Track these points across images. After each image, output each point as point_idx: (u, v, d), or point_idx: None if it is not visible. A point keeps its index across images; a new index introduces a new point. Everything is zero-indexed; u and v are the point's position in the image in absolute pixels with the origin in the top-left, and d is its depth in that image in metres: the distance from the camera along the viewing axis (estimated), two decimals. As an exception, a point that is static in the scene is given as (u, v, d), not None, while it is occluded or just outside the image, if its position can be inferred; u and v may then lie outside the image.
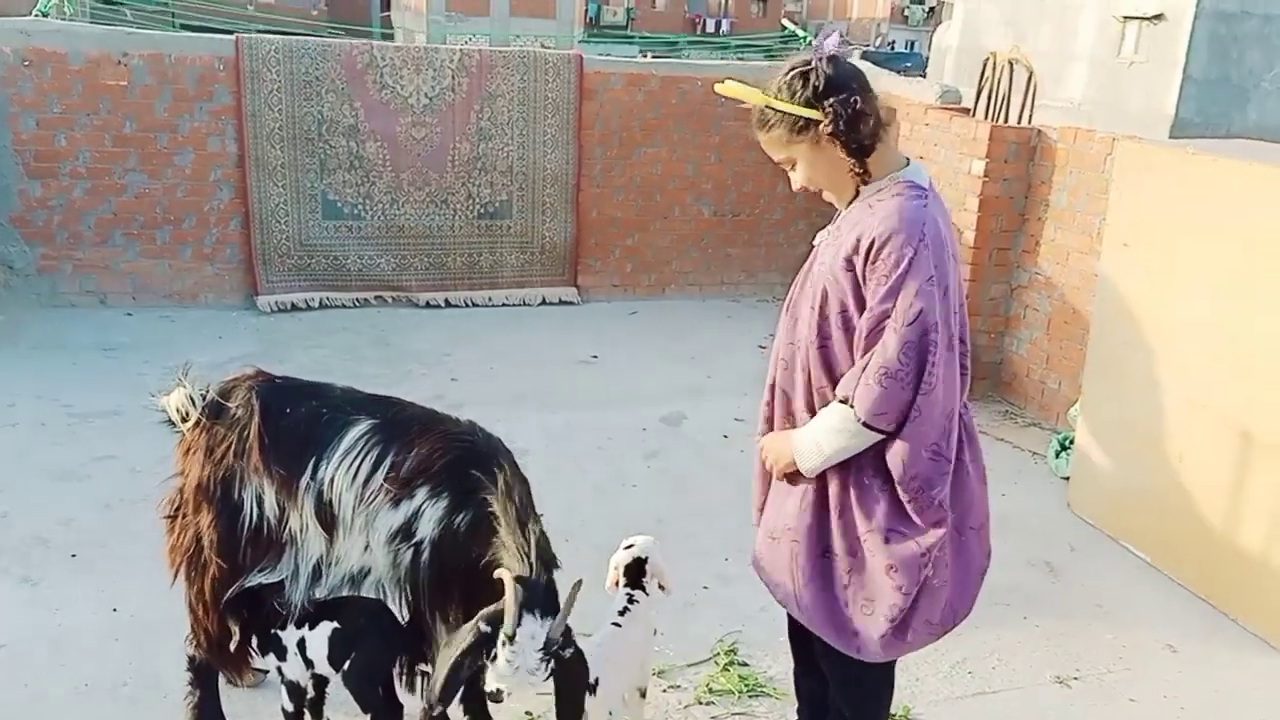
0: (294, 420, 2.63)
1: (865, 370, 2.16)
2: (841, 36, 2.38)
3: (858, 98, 2.18)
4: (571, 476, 4.62)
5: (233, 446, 2.62)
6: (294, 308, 6.74)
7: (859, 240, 2.19)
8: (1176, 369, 4.03)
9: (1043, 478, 5.00)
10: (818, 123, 2.20)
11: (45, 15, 6.87)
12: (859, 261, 2.18)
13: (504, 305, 7.15)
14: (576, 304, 7.31)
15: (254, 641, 2.80)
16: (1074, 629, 3.69)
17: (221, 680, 2.90)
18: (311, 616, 2.68)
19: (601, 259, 7.40)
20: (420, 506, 2.56)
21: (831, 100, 2.18)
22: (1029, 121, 5.88)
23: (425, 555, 2.58)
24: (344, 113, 6.61)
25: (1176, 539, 4.04)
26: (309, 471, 2.58)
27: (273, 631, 2.71)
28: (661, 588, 2.87)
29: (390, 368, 5.87)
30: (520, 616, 2.35)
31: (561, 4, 43.94)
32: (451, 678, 2.42)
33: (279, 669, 2.73)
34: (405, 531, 2.58)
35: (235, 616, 2.76)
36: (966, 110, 6.19)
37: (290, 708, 2.76)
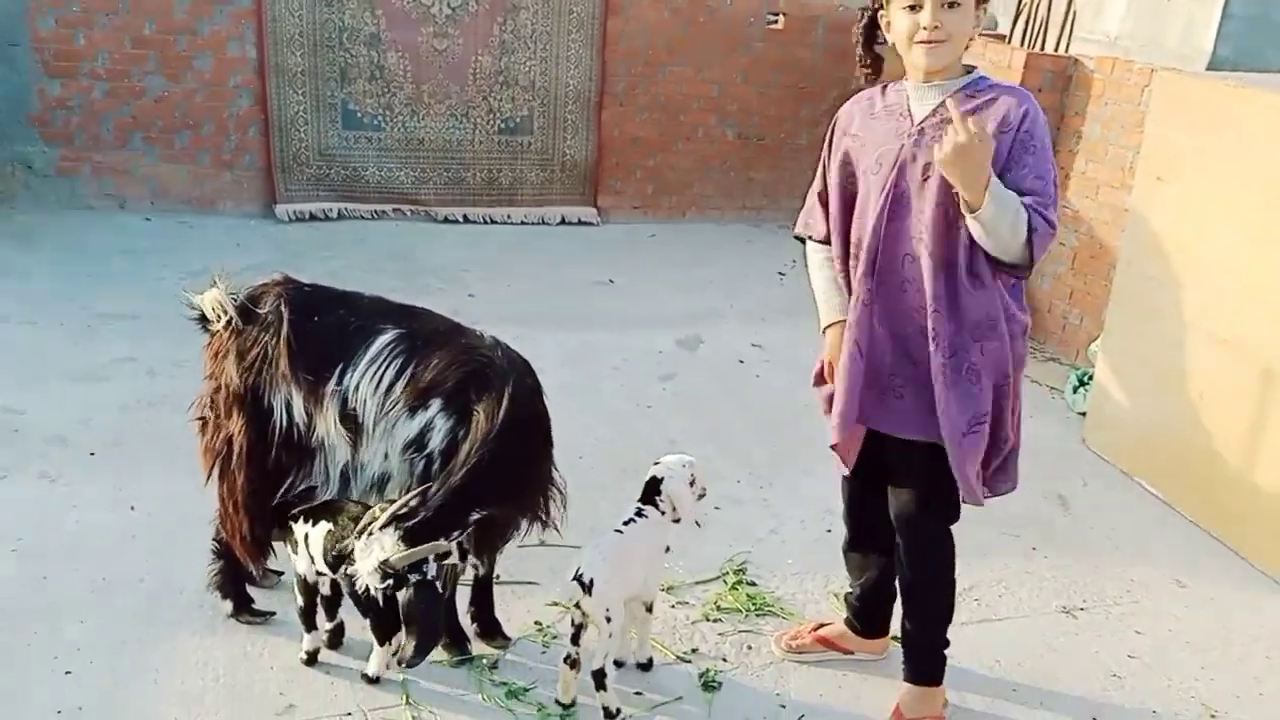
0: (322, 328, 2.64)
1: (1038, 205, 2.28)
2: None
3: None
4: (587, 397, 4.62)
5: (262, 352, 2.62)
6: (312, 217, 6.69)
7: (1004, 119, 2.32)
8: (1203, 306, 3.98)
9: (1059, 413, 4.98)
10: None
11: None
12: (1006, 139, 2.31)
13: (522, 223, 7.09)
14: (596, 224, 7.24)
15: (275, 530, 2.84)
16: (1083, 561, 3.70)
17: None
18: (315, 514, 2.71)
19: (622, 180, 7.31)
20: (432, 419, 2.58)
21: None
22: (1066, 51, 5.74)
23: (436, 467, 2.59)
24: (365, 20, 6.50)
25: (1191, 476, 4.03)
26: (335, 379, 2.58)
27: (288, 523, 2.76)
28: (676, 520, 2.85)
29: (407, 281, 5.84)
30: (385, 526, 2.43)
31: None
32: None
33: (292, 560, 2.79)
34: (419, 442, 2.60)
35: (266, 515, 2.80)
36: (1003, 37, 6.04)
37: (300, 602, 2.81)
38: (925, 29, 2.32)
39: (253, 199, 6.74)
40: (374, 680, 2.77)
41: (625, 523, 2.80)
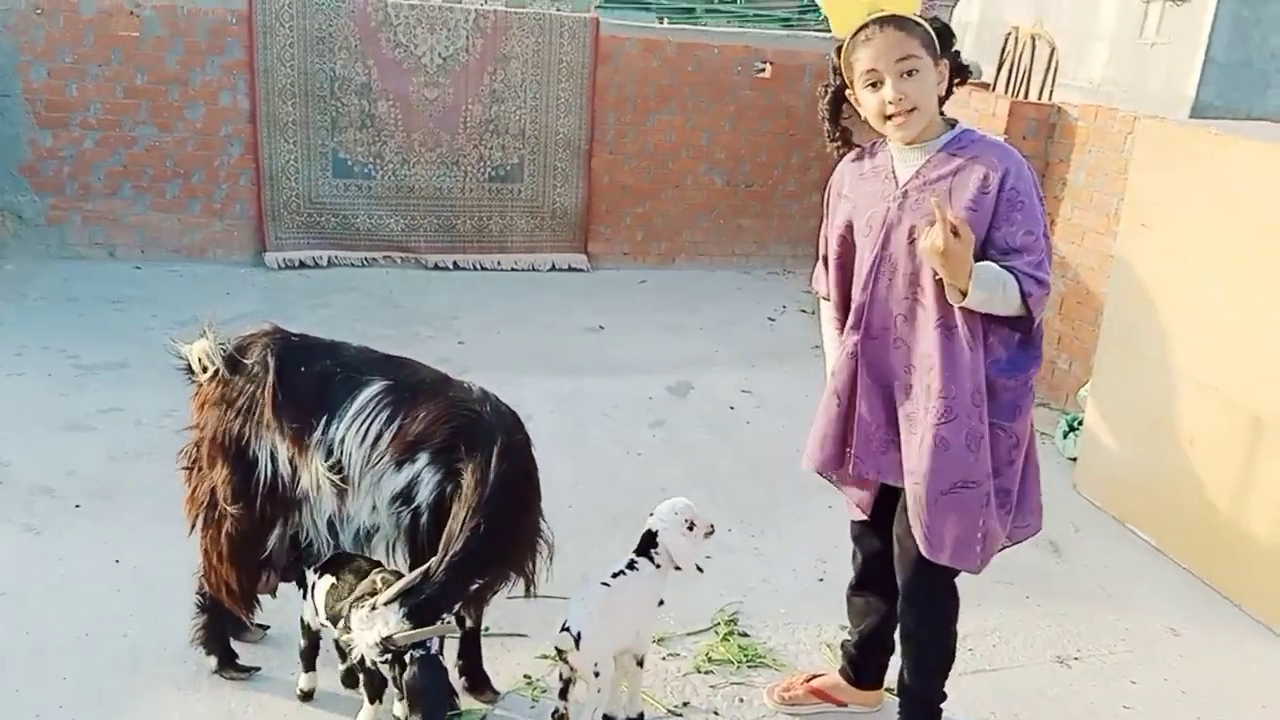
0: (308, 378, 2.63)
1: (1029, 265, 2.29)
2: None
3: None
4: (577, 443, 4.60)
5: (247, 401, 2.61)
6: (302, 265, 6.71)
7: (985, 179, 2.33)
8: (1189, 352, 3.99)
9: (1049, 458, 4.96)
10: (946, 43, 2.40)
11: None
12: (988, 199, 2.32)
13: (513, 270, 7.11)
14: (586, 271, 7.26)
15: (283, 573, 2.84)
16: (1077, 610, 3.67)
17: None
18: (324, 566, 2.71)
19: (612, 226, 7.35)
20: (420, 472, 2.56)
21: (953, 38, 2.46)
22: (1049, 99, 5.81)
23: (424, 520, 2.58)
24: (357, 71, 6.55)
25: (1183, 523, 4.02)
26: (320, 429, 2.57)
27: (302, 566, 2.77)
28: (677, 568, 2.83)
29: (397, 329, 5.84)
30: (390, 600, 2.41)
31: (579, -31, 43.35)
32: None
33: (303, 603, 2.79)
34: (406, 495, 2.58)
35: (258, 563, 2.77)
36: (986, 85, 6.12)
37: (302, 643, 2.83)
38: (890, 104, 2.35)
39: (243, 247, 6.74)
40: None
41: (615, 575, 2.77)
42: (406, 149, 6.78)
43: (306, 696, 2.86)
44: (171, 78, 6.38)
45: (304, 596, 2.77)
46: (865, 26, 2.37)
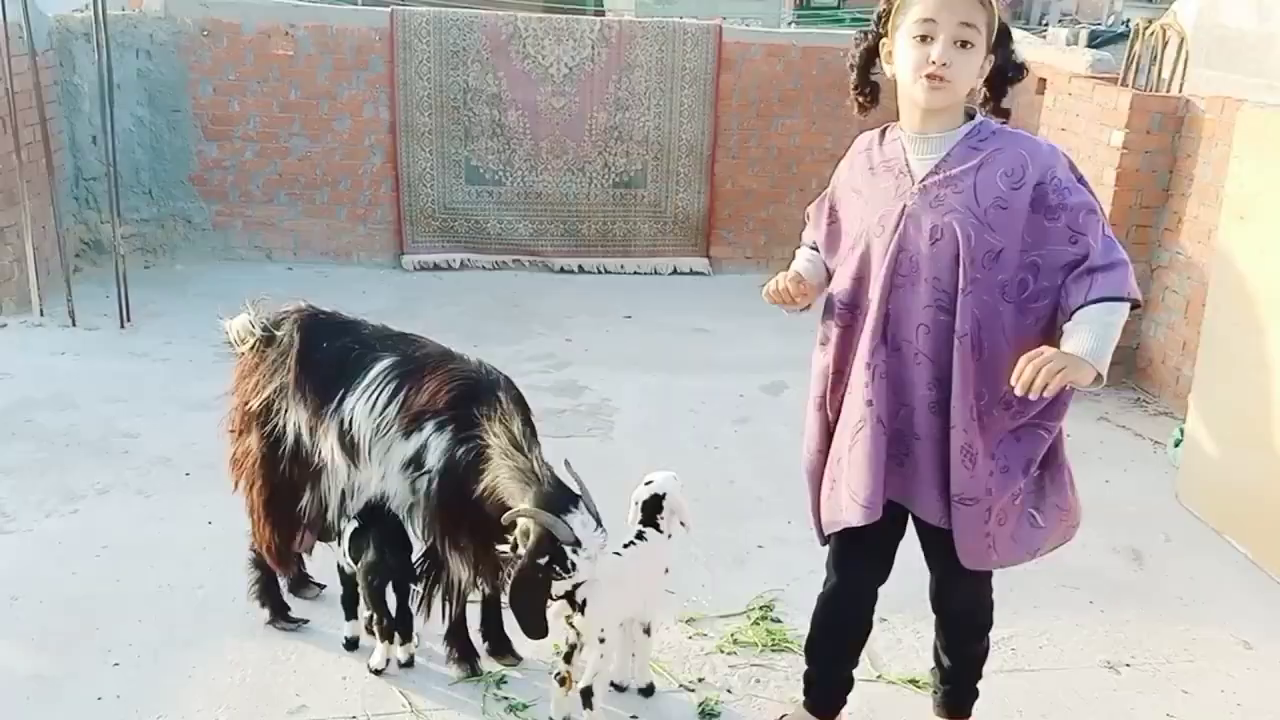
0: (329, 353, 2.85)
1: (1100, 255, 2.16)
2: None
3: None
4: (657, 435, 4.70)
5: (275, 372, 2.86)
6: (436, 267, 7.09)
7: (1012, 174, 2.20)
8: (1288, 352, 3.74)
9: (1159, 467, 4.72)
10: (1002, 40, 2.26)
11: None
12: (1020, 194, 2.19)
13: (636, 273, 7.29)
14: (708, 275, 7.36)
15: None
16: (1142, 617, 3.50)
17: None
18: (358, 514, 2.95)
19: (735, 231, 7.42)
20: (427, 439, 2.72)
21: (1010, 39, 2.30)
22: (1179, 91, 5.51)
23: (434, 484, 2.74)
24: (488, 82, 6.89)
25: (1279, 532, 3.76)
26: (335, 402, 2.78)
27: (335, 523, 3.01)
28: (682, 524, 2.91)
29: (513, 327, 6.11)
30: (565, 522, 2.50)
31: (770, -15, 43.21)
32: (534, 612, 2.59)
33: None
34: (416, 461, 2.75)
35: (291, 523, 3.02)
36: (1113, 79, 5.85)
37: (343, 590, 3.06)
38: (934, 63, 2.16)
39: (383, 250, 7.19)
40: (377, 672, 2.96)
41: (625, 545, 2.86)
42: (534, 156, 7.06)
43: (351, 644, 3.08)
44: (322, 92, 6.89)
45: (336, 544, 3.00)
46: None
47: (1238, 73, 5.54)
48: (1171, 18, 5.64)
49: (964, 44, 2.17)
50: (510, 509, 2.57)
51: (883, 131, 2.42)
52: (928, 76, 2.17)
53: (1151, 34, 5.59)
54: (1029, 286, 2.22)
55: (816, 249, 2.63)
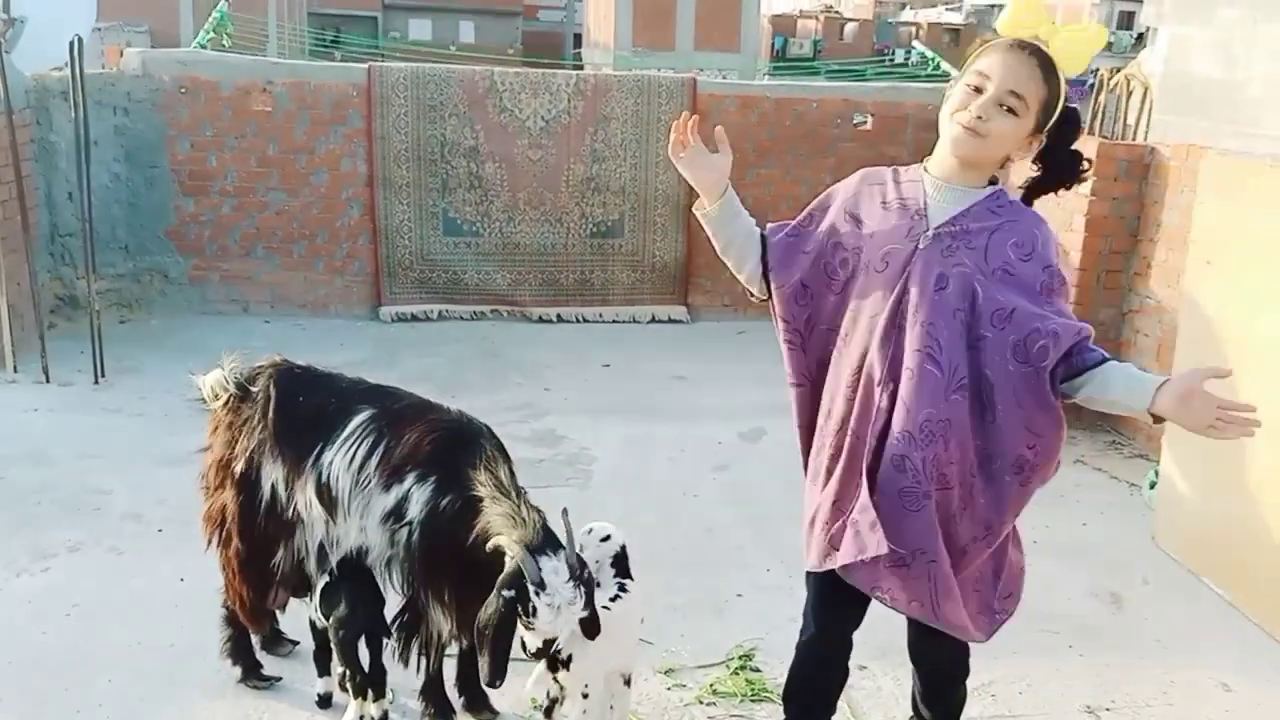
0: (305, 407, 2.84)
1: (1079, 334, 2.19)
2: None
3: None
4: (634, 484, 4.69)
5: (250, 427, 2.84)
6: (413, 318, 7.11)
7: (1022, 245, 2.23)
8: (1257, 395, 3.75)
9: (1135, 510, 4.75)
10: (1061, 131, 2.25)
11: (203, 47, 7.52)
12: (1028, 267, 2.22)
13: (614, 322, 7.32)
14: (686, 322, 7.40)
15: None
16: (1122, 661, 3.49)
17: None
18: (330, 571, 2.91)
19: (712, 279, 7.47)
20: (408, 490, 2.70)
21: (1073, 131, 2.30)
22: (1145, 139, 5.62)
23: (415, 535, 2.72)
24: (465, 135, 6.96)
25: (1257, 575, 3.77)
26: (313, 456, 2.77)
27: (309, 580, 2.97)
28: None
29: (491, 377, 6.11)
30: (537, 562, 2.46)
31: (746, 37, 43.79)
32: (496, 652, 2.50)
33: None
34: (396, 513, 2.73)
35: (266, 580, 2.98)
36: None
37: (315, 646, 3.02)
38: (970, 111, 2.19)
39: (361, 302, 7.21)
40: None
41: (612, 599, 2.84)
42: (512, 207, 7.12)
43: (324, 702, 3.04)
44: (299, 147, 6.94)
45: (309, 599, 2.96)
46: (1021, 41, 2.22)
47: (1206, 119, 5.65)
48: (1136, 68, 5.77)
49: (1009, 110, 2.19)
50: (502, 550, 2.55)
51: (895, 170, 2.42)
52: (964, 125, 2.21)
53: (1116, 84, 5.71)
54: (1034, 348, 2.21)
55: (764, 234, 2.60)
